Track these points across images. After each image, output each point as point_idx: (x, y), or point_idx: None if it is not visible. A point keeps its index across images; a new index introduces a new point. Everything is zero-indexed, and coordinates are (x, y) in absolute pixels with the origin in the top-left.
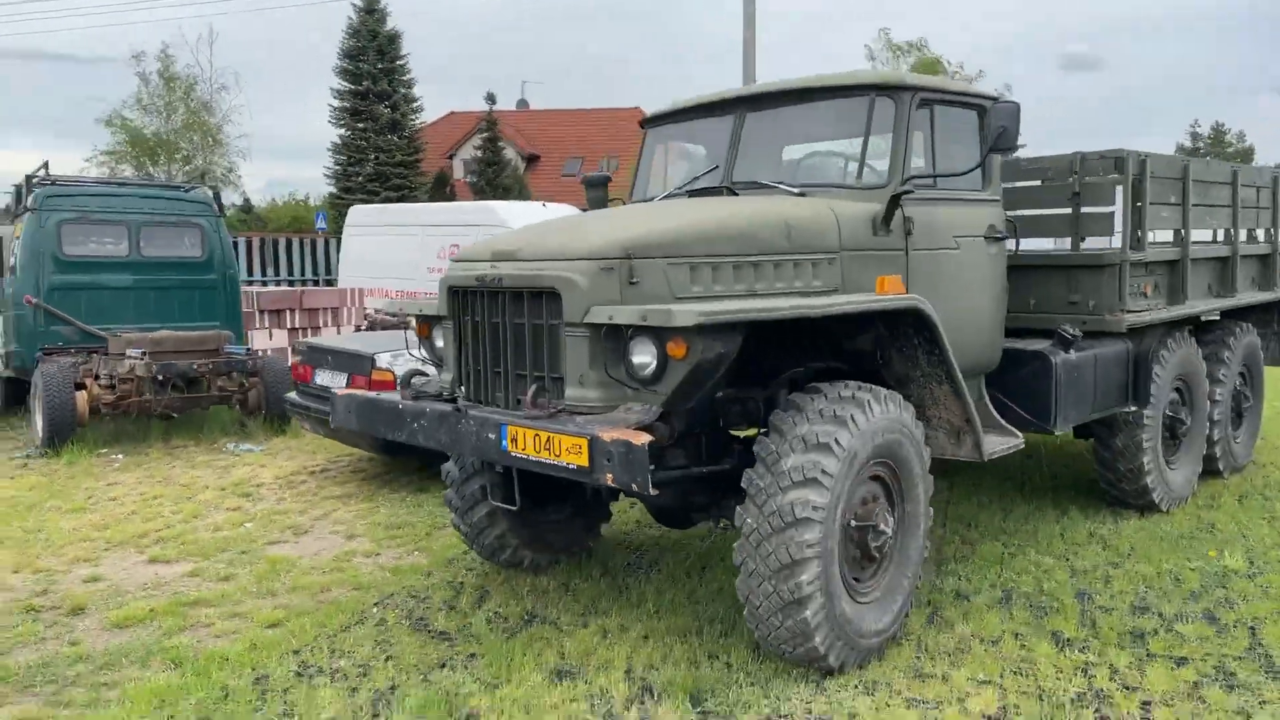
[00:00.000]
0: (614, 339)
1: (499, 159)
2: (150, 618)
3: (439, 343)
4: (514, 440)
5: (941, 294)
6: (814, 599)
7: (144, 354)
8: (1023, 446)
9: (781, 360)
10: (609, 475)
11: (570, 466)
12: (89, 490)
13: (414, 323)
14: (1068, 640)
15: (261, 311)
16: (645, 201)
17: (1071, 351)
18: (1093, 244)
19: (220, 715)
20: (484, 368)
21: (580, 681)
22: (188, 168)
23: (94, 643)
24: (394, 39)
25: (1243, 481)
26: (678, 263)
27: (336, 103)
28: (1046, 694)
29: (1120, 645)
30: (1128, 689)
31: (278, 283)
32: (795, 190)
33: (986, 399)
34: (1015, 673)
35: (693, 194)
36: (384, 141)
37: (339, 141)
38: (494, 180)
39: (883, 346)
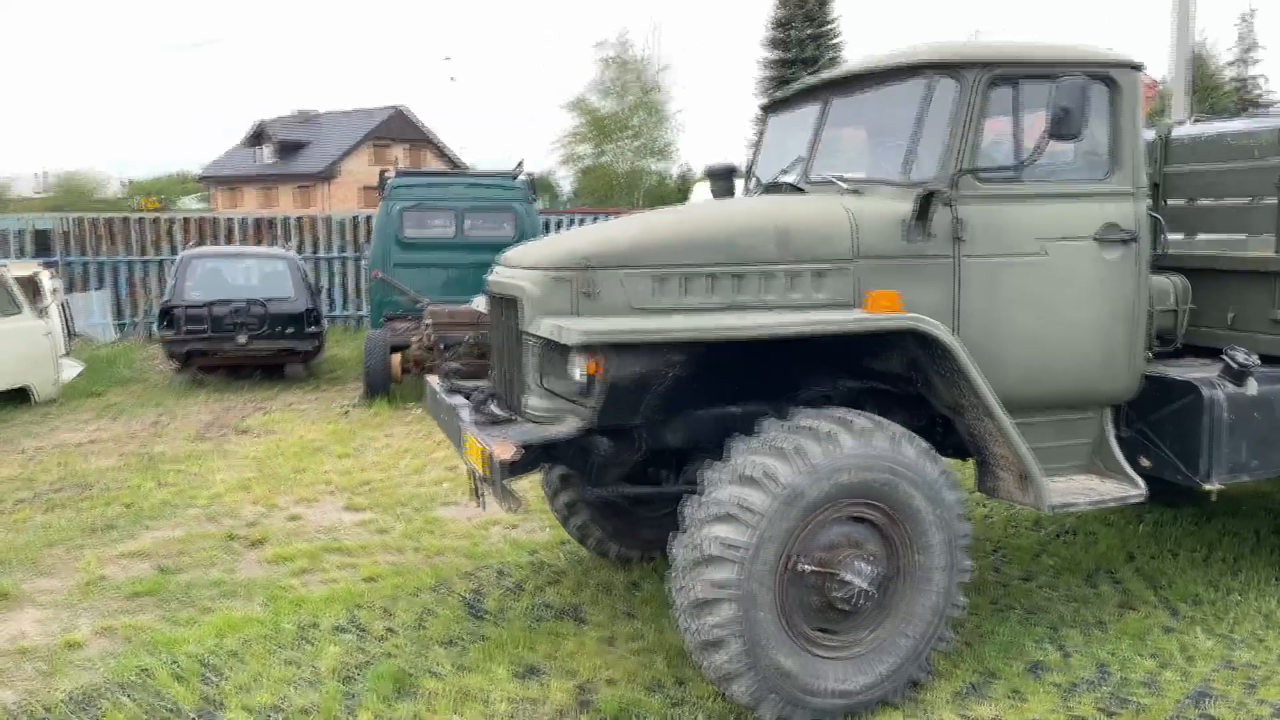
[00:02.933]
0: (560, 350)
1: None
2: (296, 557)
3: None
4: (466, 443)
5: (1014, 310)
6: (729, 644)
7: (430, 324)
8: (1142, 499)
9: (812, 379)
10: (491, 487)
11: (479, 473)
12: (366, 439)
13: None
14: None
15: None
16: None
17: (1250, 383)
18: None
19: (248, 652)
20: (500, 372)
21: (534, 683)
22: (637, 144)
23: (242, 573)
24: (824, 2)
25: None
26: (637, 274)
27: (762, 73)
28: None
29: None
30: None
31: None
32: (849, 188)
33: (1110, 437)
34: None
35: (766, 190)
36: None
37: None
38: None
39: (919, 370)
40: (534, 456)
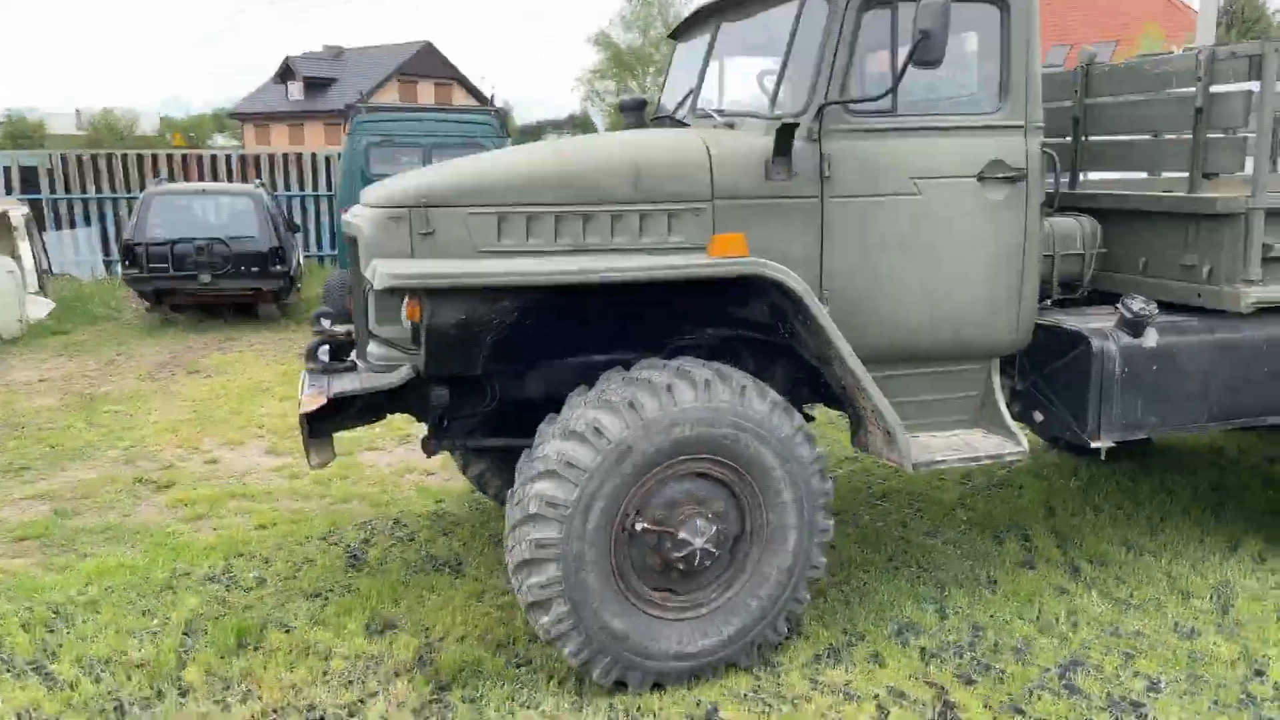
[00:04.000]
0: (394, 295)
1: None
2: (198, 502)
3: None
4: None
5: (887, 255)
6: (554, 605)
7: None
8: (1021, 457)
9: (684, 328)
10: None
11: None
12: None
13: None
14: None
15: None
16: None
17: (1148, 334)
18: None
19: (107, 601)
20: (355, 318)
21: (383, 640)
22: (661, 79)
23: (137, 518)
24: None
25: None
26: (480, 213)
27: None
28: None
29: None
30: None
31: None
32: (723, 122)
33: (997, 390)
34: None
35: (654, 124)
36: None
37: None
38: None
39: (784, 319)
40: (367, 407)
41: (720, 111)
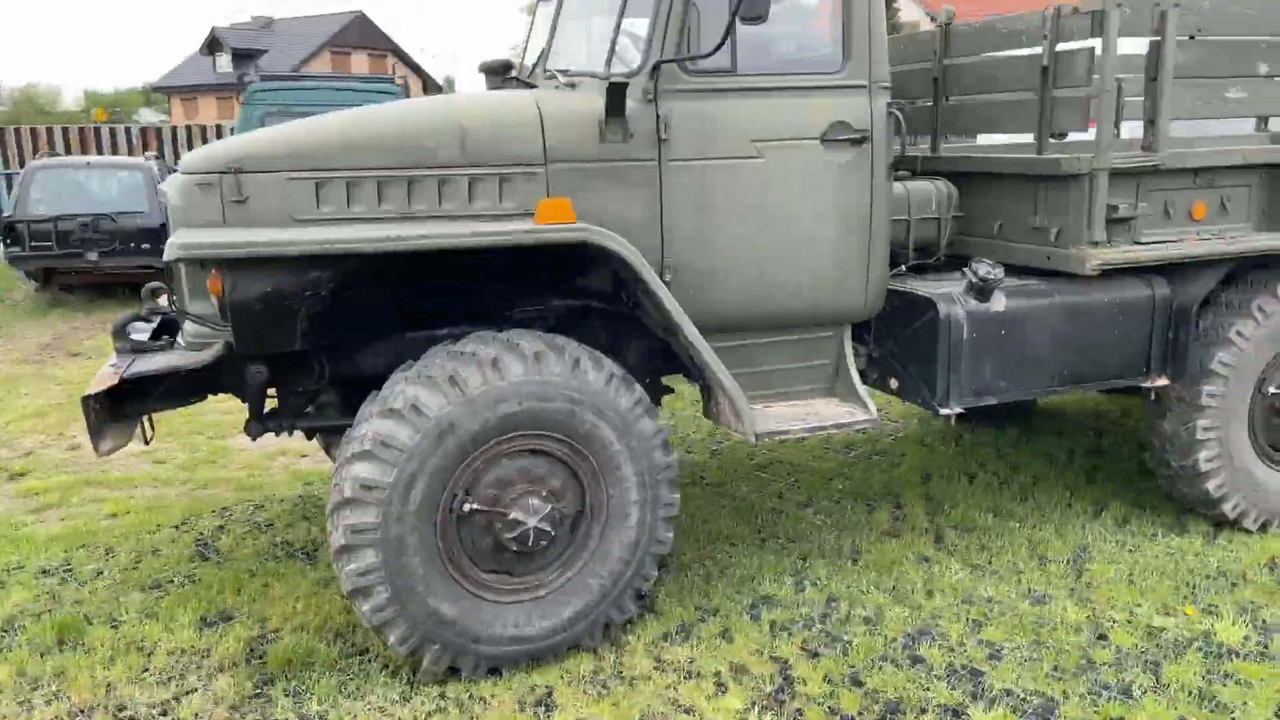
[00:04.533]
0: (204, 268)
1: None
2: (51, 490)
3: None
4: None
5: (728, 220)
6: (375, 591)
7: None
8: (870, 426)
9: (531, 298)
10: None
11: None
12: None
13: None
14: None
15: None
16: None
17: (996, 298)
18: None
19: None
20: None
21: (214, 633)
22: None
23: None
24: None
25: None
26: (298, 179)
27: None
28: None
29: None
30: None
31: None
32: (566, 82)
33: (849, 358)
34: None
35: (510, 84)
36: None
37: None
38: None
39: (625, 288)
40: (185, 387)
41: (564, 72)
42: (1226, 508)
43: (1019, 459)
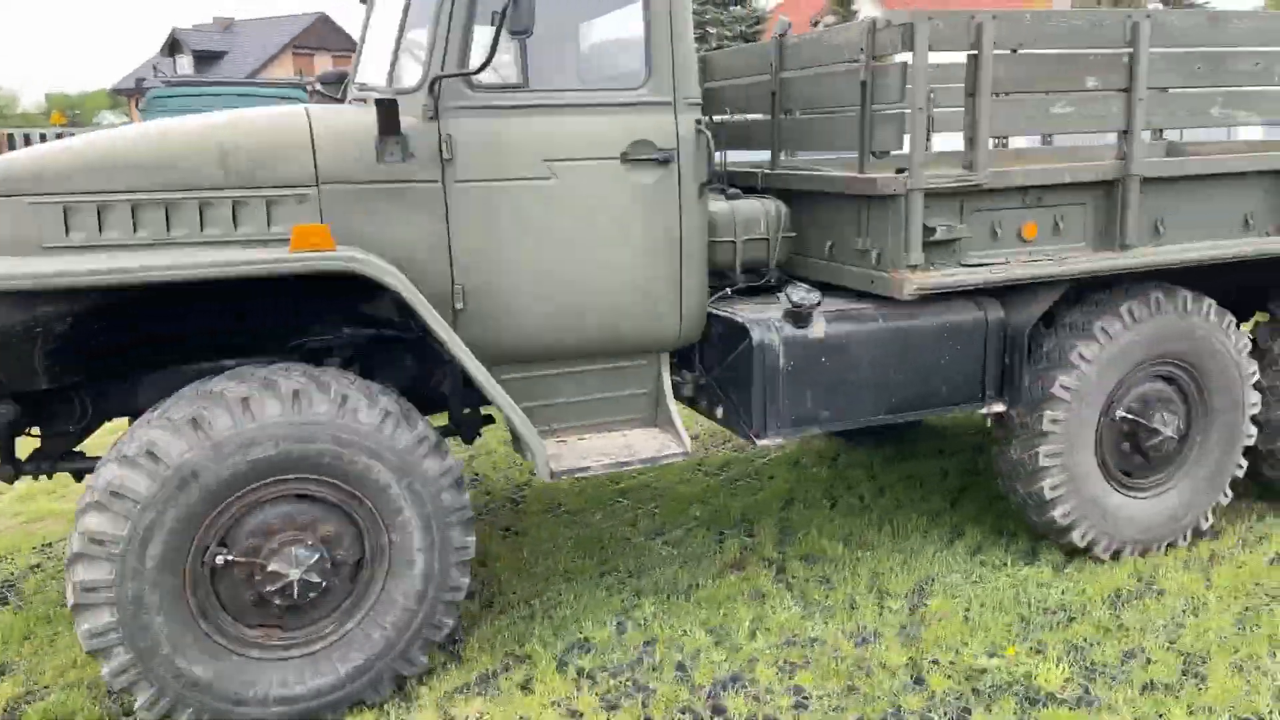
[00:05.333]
0: None
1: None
2: None
3: None
4: None
5: (522, 245)
6: (114, 654)
7: None
8: (679, 458)
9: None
10: None
11: None
12: None
13: None
14: None
15: None
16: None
17: (816, 324)
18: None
19: None
20: None
21: None
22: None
23: None
24: None
25: None
26: (45, 204)
27: None
28: None
29: None
30: None
31: None
32: (357, 97)
33: (667, 387)
34: None
35: (321, 97)
36: (723, 15)
37: None
38: None
39: (414, 315)
40: None
41: (362, 86)
42: (1075, 536)
43: (889, 480)
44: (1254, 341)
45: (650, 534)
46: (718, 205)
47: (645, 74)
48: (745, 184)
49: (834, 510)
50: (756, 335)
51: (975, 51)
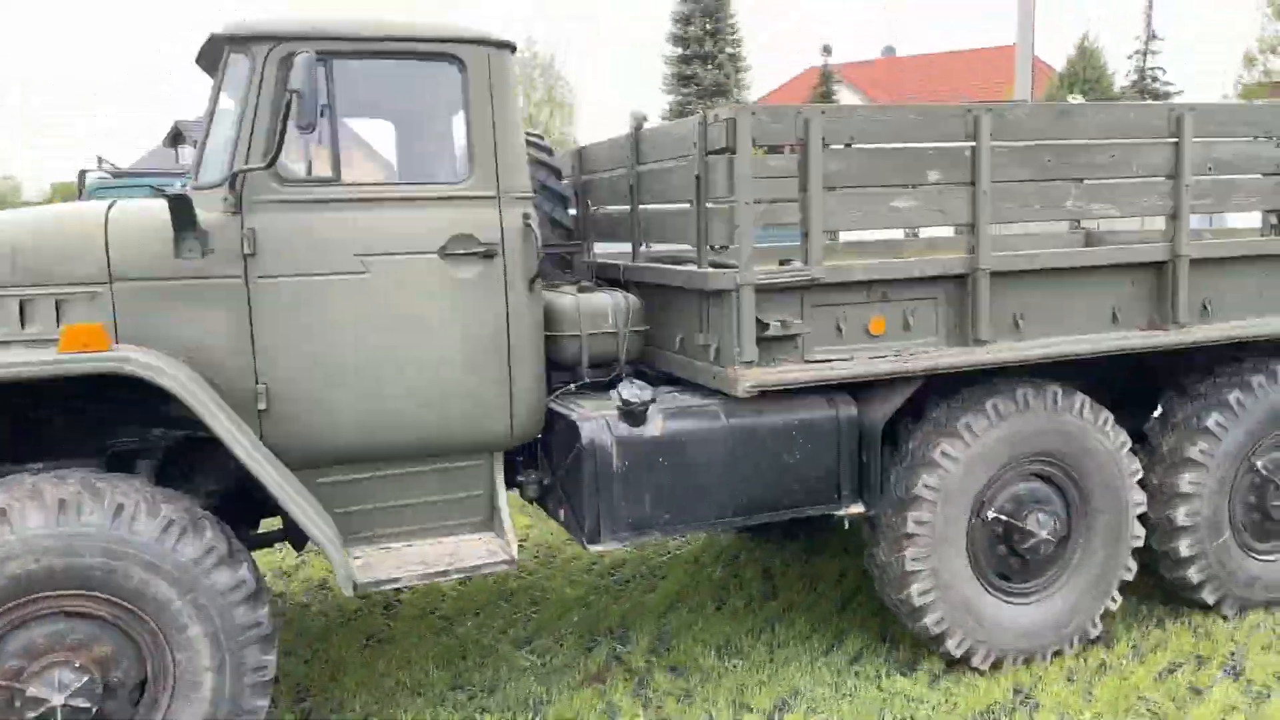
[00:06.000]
0: None
1: None
2: None
3: None
4: None
5: (334, 343)
6: None
7: None
8: (504, 569)
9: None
10: None
11: None
12: None
13: None
14: None
15: None
16: None
17: (653, 422)
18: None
19: None
20: None
21: None
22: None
23: None
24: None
25: (1237, 631)
26: None
27: (667, 69)
28: None
29: None
30: None
31: None
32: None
33: (499, 489)
34: None
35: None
36: (713, 105)
37: (669, 108)
38: None
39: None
40: None
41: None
42: (950, 645)
43: (785, 580)
44: (1146, 437)
45: (520, 642)
46: (562, 298)
47: (468, 168)
48: (610, 276)
49: (719, 613)
50: (587, 433)
51: (803, 146)
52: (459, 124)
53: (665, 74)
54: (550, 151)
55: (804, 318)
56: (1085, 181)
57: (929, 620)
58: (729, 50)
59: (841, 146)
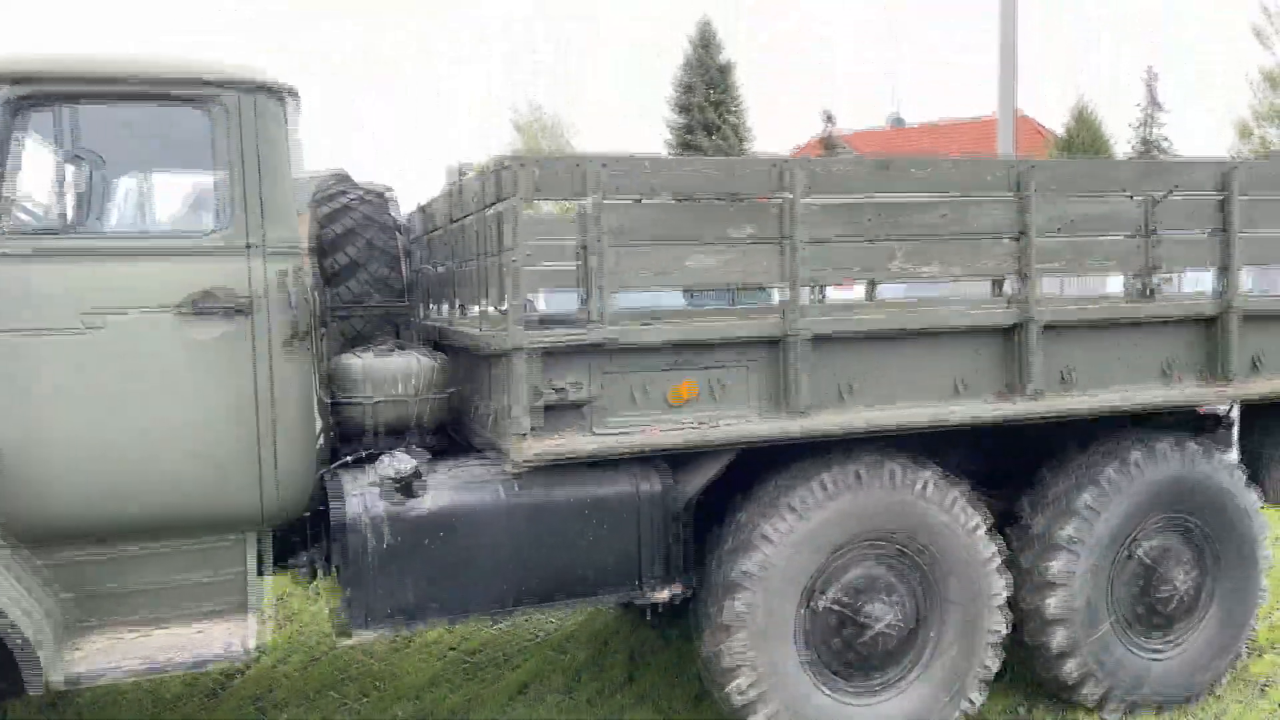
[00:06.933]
0: None
1: None
2: None
3: None
4: None
5: (53, 406)
6: None
7: None
8: (242, 660)
9: None
10: None
11: None
12: None
13: None
14: None
15: None
16: None
17: (424, 496)
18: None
19: None
20: None
21: None
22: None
23: None
24: (726, 70)
25: None
26: None
27: (669, 135)
28: None
29: None
30: None
31: None
32: None
33: (252, 570)
34: None
35: None
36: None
37: None
38: None
39: None
40: None
41: None
42: None
43: (649, 666)
44: (1018, 518)
45: None
46: (351, 361)
47: (218, 220)
48: (432, 339)
49: (567, 702)
50: (348, 509)
51: (582, 200)
52: (211, 174)
53: (667, 139)
54: (395, 206)
55: (591, 384)
56: (910, 241)
57: (758, 719)
58: (731, 120)
59: (629, 201)
